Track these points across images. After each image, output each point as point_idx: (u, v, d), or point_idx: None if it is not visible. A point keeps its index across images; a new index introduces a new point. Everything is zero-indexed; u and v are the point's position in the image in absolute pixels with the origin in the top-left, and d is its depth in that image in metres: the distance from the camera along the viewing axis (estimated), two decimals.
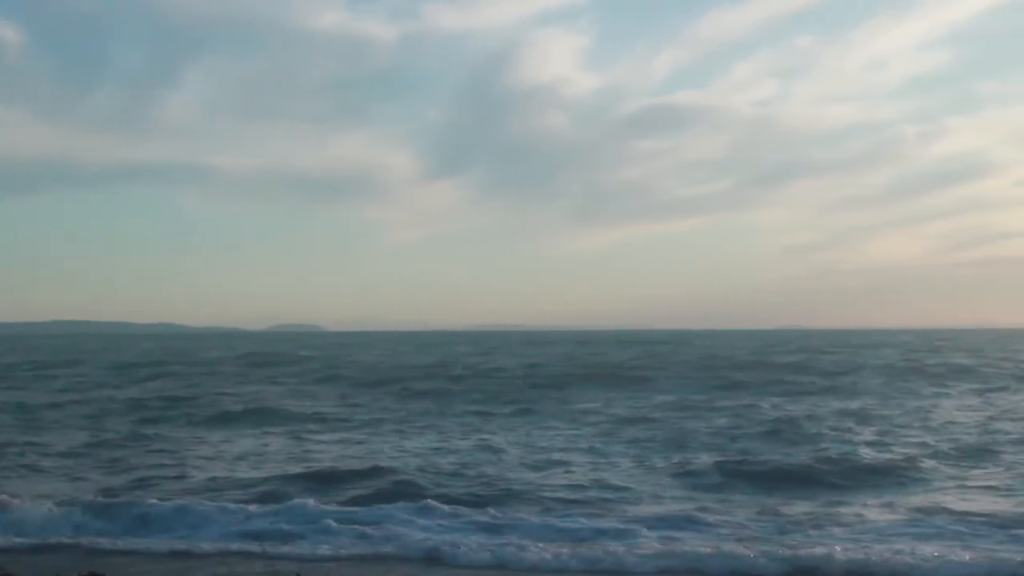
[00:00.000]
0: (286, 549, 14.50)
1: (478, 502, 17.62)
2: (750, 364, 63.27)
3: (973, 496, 18.11)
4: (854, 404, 35.48)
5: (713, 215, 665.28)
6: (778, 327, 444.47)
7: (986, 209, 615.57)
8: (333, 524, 15.70)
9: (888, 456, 22.48)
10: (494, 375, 55.76)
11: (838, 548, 13.77)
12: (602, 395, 40.97)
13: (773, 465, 21.40)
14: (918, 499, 17.80)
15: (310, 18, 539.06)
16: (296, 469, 21.62)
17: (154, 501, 17.24)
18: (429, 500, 17.31)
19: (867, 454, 22.65)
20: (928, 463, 21.50)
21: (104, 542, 15.12)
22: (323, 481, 19.96)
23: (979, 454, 22.93)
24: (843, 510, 16.87)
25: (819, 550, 13.66)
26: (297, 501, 17.26)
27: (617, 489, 19.03)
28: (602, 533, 15.16)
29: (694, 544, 14.24)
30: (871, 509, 16.97)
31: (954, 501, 17.46)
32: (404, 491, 18.40)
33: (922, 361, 64.73)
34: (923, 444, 24.50)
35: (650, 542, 14.49)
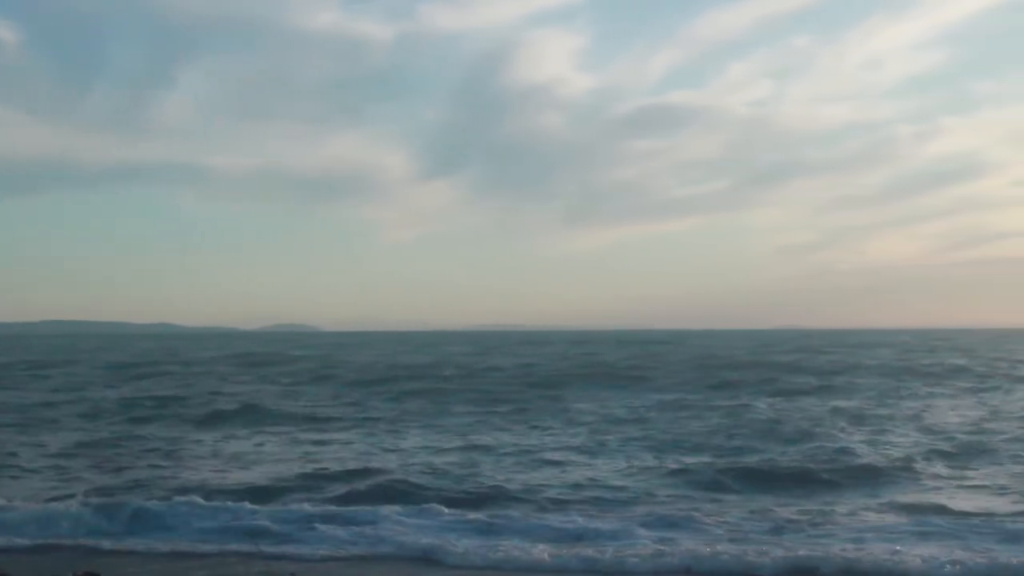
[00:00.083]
0: (282, 549, 14.50)
1: (473, 502, 17.62)
2: (746, 364, 63.32)
3: (968, 495, 18.15)
4: (850, 404, 35.52)
5: (709, 215, 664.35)
6: (774, 327, 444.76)
7: (982, 209, 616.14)
8: (328, 524, 15.66)
9: (883, 456, 22.50)
10: (489, 375, 55.77)
11: (834, 548, 13.77)
12: (598, 395, 40.99)
13: (769, 465, 21.42)
14: (913, 498, 17.81)
15: (306, 18, 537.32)
16: (290, 469, 21.59)
17: (150, 501, 17.21)
18: (424, 500, 17.30)
19: (863, 454, 22.68)
20: (923, 463, 21.54)
21: (100, 542, 15.07)
22: (317, 481, 19.95)
23: (974, 453, 22.97)
24: (839, 509, 16.86)
25: (815, 550, 13.66)
26: (291, 501, 17.22)
27: (613, 489, 19.03)
28: (598, 533, 15.13)
29: (690, 544, 14.22)
30: (867, 509, 16.98)
31: (950, 500, 17.48)
32: (399, 491, 18.38)
33: (918, 361, 64.86)
34: (918, 443, 24.56)
35: (646, 542, 14.47)
